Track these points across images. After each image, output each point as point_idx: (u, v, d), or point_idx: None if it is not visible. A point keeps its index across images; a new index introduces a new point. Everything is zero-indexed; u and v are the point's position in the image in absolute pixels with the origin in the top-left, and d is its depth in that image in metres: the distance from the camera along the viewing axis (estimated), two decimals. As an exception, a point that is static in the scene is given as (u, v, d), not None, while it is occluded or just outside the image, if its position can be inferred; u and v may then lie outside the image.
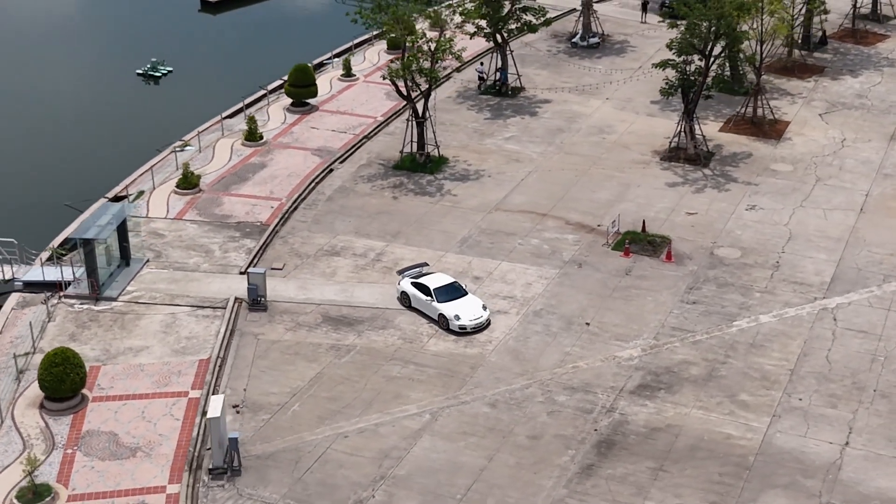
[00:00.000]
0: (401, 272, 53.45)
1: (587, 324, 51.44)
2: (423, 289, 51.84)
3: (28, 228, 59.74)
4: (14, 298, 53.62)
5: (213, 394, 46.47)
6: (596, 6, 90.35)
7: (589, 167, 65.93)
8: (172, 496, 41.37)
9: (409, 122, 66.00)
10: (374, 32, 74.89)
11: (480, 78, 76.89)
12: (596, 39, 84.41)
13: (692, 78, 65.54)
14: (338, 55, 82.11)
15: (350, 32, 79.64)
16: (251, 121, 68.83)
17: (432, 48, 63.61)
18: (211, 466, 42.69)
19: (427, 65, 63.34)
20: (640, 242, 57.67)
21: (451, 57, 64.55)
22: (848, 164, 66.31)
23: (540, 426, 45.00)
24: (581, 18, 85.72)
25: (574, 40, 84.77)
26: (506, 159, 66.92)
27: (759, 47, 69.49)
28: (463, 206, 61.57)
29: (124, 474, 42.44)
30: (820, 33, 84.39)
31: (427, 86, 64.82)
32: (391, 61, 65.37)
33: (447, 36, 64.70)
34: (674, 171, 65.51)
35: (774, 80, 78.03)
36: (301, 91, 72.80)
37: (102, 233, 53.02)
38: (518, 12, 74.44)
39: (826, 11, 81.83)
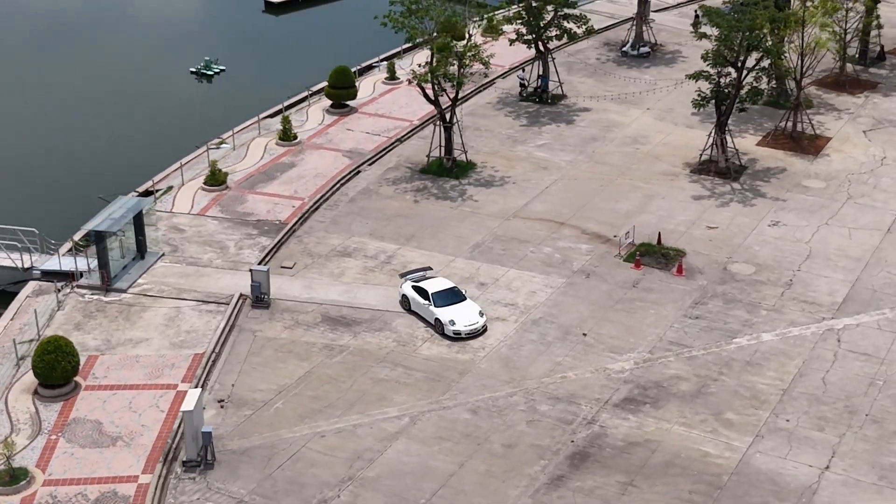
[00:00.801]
0: (403, 275, 53.64)
1: (584, 334, 51.07)
2: (423, 293, 51.99)
3: (57, 218, 61.25)
4: (30, 286, 55.03)
5: (200, 388, 47.16)
6: (654, 15, 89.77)
7: (616, 177, 65.41)
8: (143, 486, 42.12)
9: (437, 127, 66.22)
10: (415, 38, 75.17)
11: (522, 85, 76.77)
12: (646, 49, 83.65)
13: (726, 90, 64.64)
14: (388, 58, 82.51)
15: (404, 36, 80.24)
16: (285, 120, 69.67)
17: (459, 54, 63.56)
18: (185, 459, 43.35)
19: (452, 70, 63.32)
20: (654, 255, 57.05)
21: (478, 63, 64.34)
22: (883, 183, 64.75)
23: (517, 435, 44.82)
24: (634, 27, 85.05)
25: (624, 49, 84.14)
26: (533, 167, 66.72)
27: (799, 61, 68.20)
28: (482, 211, 61.55)
29: (101, 462, 43.32)
30: (878, 48, 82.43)
31: (454, 91, 64.83)
32: (418, 65, 65.45)
33: (476, 42, 64.63)
34: (702, 184, 64.65)
35: (824, 94, 76.57)
36: (340, 93, 73.49)
37: (115, 225, 54.14)
38: (560, 20, 74.04)
39: (880, 26, 79.98)
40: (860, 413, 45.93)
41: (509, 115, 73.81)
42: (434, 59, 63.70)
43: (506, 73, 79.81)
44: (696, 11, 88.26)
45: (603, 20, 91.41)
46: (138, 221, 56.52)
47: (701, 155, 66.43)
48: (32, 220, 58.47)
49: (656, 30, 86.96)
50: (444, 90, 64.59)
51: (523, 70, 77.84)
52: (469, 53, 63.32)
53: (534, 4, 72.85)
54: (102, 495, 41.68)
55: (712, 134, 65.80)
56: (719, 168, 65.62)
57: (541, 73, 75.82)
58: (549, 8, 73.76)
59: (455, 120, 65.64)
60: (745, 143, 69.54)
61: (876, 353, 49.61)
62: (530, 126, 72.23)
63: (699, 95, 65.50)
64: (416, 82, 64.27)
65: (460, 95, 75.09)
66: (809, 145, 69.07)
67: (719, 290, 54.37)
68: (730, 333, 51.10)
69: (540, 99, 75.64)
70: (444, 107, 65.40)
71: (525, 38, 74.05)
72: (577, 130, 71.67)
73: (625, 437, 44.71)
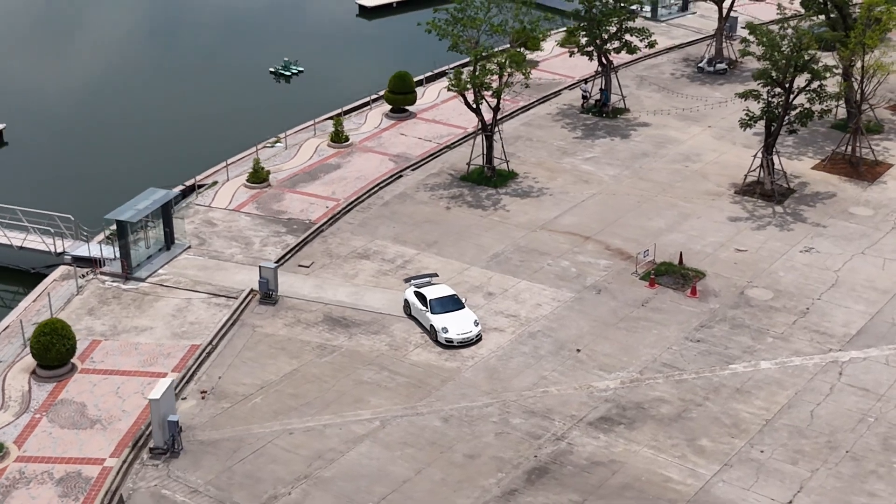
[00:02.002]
0: (408, 280, 53.89)
1: (578, 350, 50.51)
2: (422, 298, 52.16)
3: (103, 207, 62.98)
4: (60, 271, 57.05)
5: (180, 377, 48.40)
6: (742, 31, 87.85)
7: (656, 194, 64.40)
8: (107, 469, 43.32)
9: (479, 135, 66.35)
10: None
11: (584, 97, 76.20)
12: (723, 66, 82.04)
13: (775, 111, 63.03)
14: (462, 66, 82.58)
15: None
16: (337, 122, 70.62)
17: (499, 63, 63.41)
18: (152, 446, 44.47)
19: (490, 79, 63.26)
20: (673, 275, 56.01)
21: (519, 73, 64.09)
22: (936, 214, 62.29)
23: (482, 446, 44.63)
24: (714, 43, 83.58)
25: (700, 65, 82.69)
26: (575, 179, 66.17)
27: (860, 85, 65.98)
28: (510, 222, 61.34)
29: (75, 443, 44.73)
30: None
31: (495, 100, 64.77)
32: (459, 73, 65.41)
33: (517, 52, 64.48)
34: (743, 206, 63.16)
35: (899, 120, 74.03)
36: (398, 98, 74.14)
37: (136, 216, 55.81)
38: (622, 33, 73.23)
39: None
40: (841, 449, 44.33)
41: (566, 127, 73.32)
42: (476, 68, 63.72)
43: (573, 84, 79.31)
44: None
45: (689, 35, 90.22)
46: (166, 213, 58.10)
47: (746, 176, 64.85)
48: (78, 207, 60.42)
49: (740, 46, 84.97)
50: (484, 98, 64.51)
51: (586, 82, 77.19)
52: (511, 63, 63.00)
53: (598, 18, 72.08)
54: (67, 475, 43.03)
55: (759, 155, 64.19)
56: (764, 190, 64.00)
57: (602, 86, 75.12)
58: (613, 20, 72.96)
59: (496, 129, 65.52)
60: (801, 165, 67.72)
61: (875, 389, 47.79)
62: (583, 139, 71.63)
63: (747, 115, 64.00)
64: (456, 90, 64.40)
65: (523, 105, 75.53)
66: (867, 171, 66.79)
67: (729, 315, 53.07)
68: (727, 359, 49.87)
69: (600, 112, 74.94)
70: (487, 115, 65.34)
71: (585, 50, 73.47)
72: (630, 145, 70.77)
73: (590, 455, 44.09)
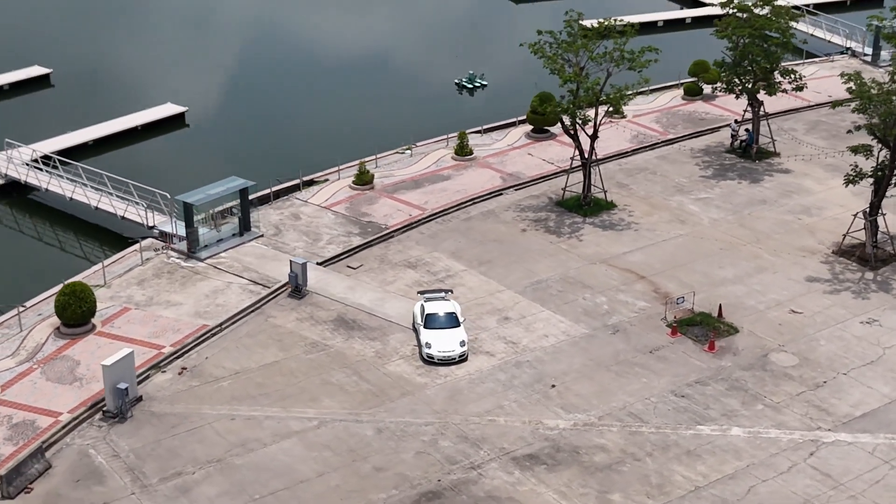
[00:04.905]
0: (421, 293, 54.34)
1: (553, 385, 49.31)
2: (423, 312, 52.55)
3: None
4: (143, 242, 61.66)
5: (178, 354, 51.45)
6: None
7: (745, 244, 61.12)
8: (56, 423, 46.92)
9: (573, 163, 65.47)
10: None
11: (732, 136, 73.10)
12: (911, 119, 75.87)
13: (884, 170, 58.39)
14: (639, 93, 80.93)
15: (675, 69, 79.63)
16: (462, 136, 71.53)
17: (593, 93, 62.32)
18: (105, 409, 47.69)
19: (583, 107, 62.38)
20: (705, 327, 53.30)
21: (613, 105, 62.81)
22: None
23: (395, 462, 44.75)
24: (908, 94, 77.56)
25: (886, 117, 76.91)
26: (672, 218, 63.87)
27: None
28: (575, 251, 60.24)
29: (48, 396, 48.62)
30: None
31: (592, 129, 63.68)
32: (562, 97, 64.61)
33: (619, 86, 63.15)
34: (831, 267, 58.83)
35: None
36: (538, 118, 74.03)
37: (204, 200, 59.55)
38: (769, 74, 69.79)
39: None
40: (756, 531, 41.16)
41: (699, 165, 70.65)
42: (577, 95, 62.96)
43: (739, 121, 76.02)
44: None
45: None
46: (244, 200, 61.47)
47: (845, 236, 60.19)
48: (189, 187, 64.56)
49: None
50: (579, 126, 63.54)
51: (737, 122, 73.92)
52: (589, 87, 61.87)
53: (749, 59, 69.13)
54: (23, 421, 46.91)
55: (859, 215, 59.50)
56: (863, 253, 59.30)
57: (748, 127, 71.84)
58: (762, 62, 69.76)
59: (593, 158, 64.41)
60: (928, 232, 62.20)
61: (839, 477, 43.76)
62: (709, 178, 68.80)
63: (853, 170, 59.54)
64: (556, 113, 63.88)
65: (671, 137, 73.69)
66: None
67: (735, 375, 49.99)
68: (700, 419, 47.14)
69: (744, 153, 71.68)
70: (586, 142, 64.45)
71: (727, 87, 70.64)
72: (754, 191, 67.29)
73: (491, 490, 43.23)
